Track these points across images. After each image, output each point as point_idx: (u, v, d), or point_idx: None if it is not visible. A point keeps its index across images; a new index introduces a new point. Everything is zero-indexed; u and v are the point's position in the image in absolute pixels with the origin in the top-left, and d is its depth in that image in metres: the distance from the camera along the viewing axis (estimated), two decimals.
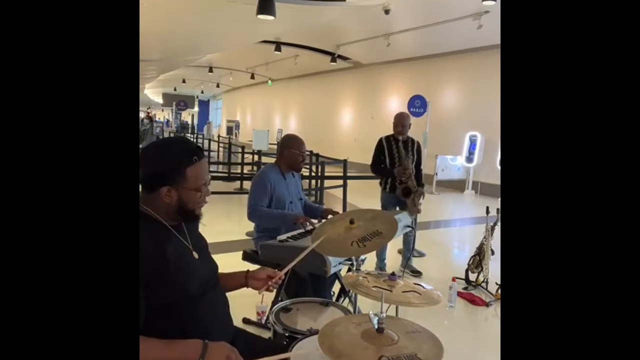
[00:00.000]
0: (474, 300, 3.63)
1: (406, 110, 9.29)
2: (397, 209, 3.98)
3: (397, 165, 3.97)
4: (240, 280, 1.56)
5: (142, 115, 21.28)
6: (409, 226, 3.05)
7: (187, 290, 1.27)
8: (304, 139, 2.95)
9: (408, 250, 4.22)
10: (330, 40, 11.68)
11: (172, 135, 17.91)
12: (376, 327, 1.16)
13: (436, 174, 9.78)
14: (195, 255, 1.37)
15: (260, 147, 8.74)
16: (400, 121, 4.04)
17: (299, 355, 1.38)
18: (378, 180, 4.26)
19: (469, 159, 9.93)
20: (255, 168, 8.63)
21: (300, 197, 2.93)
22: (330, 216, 2.70)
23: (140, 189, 1.31)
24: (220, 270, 1.50)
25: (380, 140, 4.13)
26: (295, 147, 2.81)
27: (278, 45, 11.59)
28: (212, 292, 1.37)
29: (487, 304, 3.58)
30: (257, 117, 23.61)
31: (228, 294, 1.50)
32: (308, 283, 2.36)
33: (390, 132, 4.12)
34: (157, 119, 28.88)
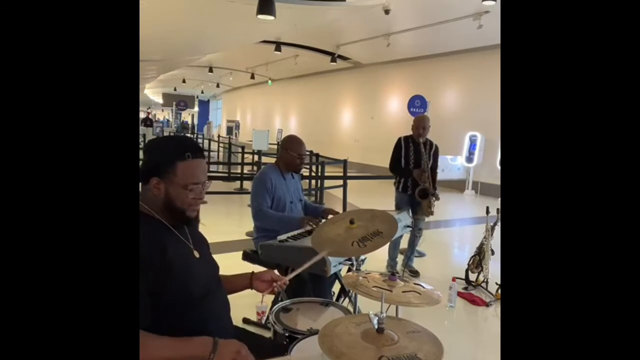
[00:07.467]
0: (474, 300, 3.63)
1: (406, 111, 9.30)
2: (410, 209, 3.95)
3: (412, 166, 3.96)
4: (245, 281, 1.54)
5: (142, 115, 21.26)
6: (408, 226, 3.06)
7: (189, 291, 1.26)
8: (304, 139, 2.93)
9: (411, 251, 4.23)
10: (330, 40, 11.68)
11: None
12: (376, 327, 1.16)
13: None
14: (196, 254, 1.36)
15: (260, 147, 8.75)
16: (421, 123, 3.97)
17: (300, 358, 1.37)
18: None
19: (469, 159, 9.93)
20: (255, 168, 8.63)
21: (301, 198, 2.93)
22: (330, 216, 2.70)
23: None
24: (220, 271, 1.49)
25: (399, 140, 4.08)
26: (292, 149, 2.80)
27: (278, 45, 11.59)
28: (214, 294, 1.36)
29: (487, 304, 3.57)
30: (257, 117, 23.60)
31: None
32: (308, 283, 2.36)
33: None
34: (157, 119, 28.86)
